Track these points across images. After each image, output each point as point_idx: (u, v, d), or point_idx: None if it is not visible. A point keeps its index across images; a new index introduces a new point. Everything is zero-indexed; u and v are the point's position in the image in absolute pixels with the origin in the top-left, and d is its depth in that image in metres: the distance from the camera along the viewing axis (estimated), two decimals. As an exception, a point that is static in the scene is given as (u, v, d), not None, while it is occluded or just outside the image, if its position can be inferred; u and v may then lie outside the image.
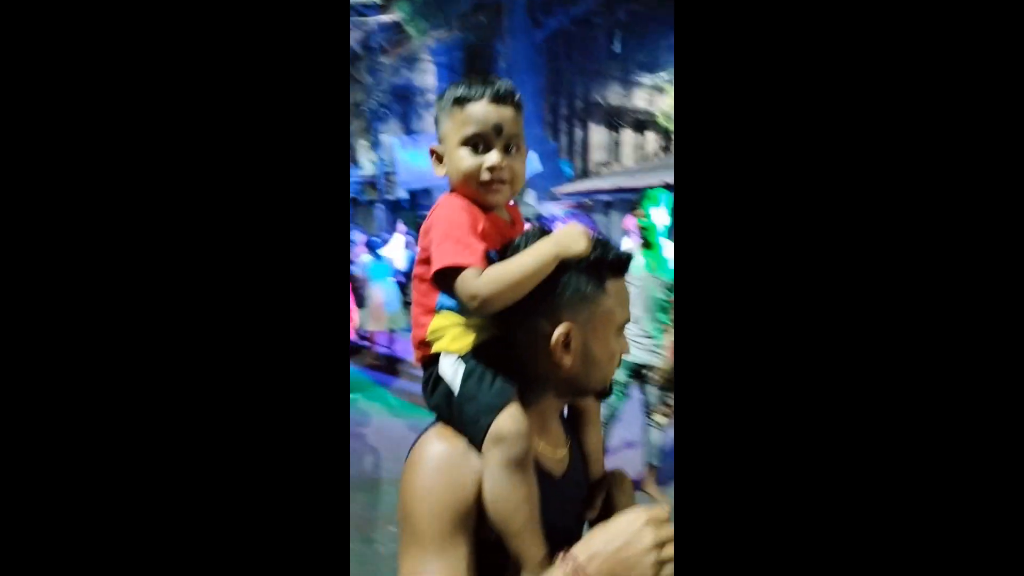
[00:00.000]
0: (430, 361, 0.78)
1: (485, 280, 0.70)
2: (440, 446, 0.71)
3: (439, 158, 0.80)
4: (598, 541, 0.66)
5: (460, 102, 0.78)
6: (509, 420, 0.69)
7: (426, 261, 0.77)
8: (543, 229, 0.75)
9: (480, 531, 0.69)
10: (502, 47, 10.25)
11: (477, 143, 0.76)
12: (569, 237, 0.72)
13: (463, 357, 0.74)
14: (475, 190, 0.77)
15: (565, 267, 0.71)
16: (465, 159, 0.76)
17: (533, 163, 8.64)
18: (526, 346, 0.74)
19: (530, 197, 7.15)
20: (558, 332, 0.71)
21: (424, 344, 0.79)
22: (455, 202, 0.78)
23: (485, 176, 0.76)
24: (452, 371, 0.74)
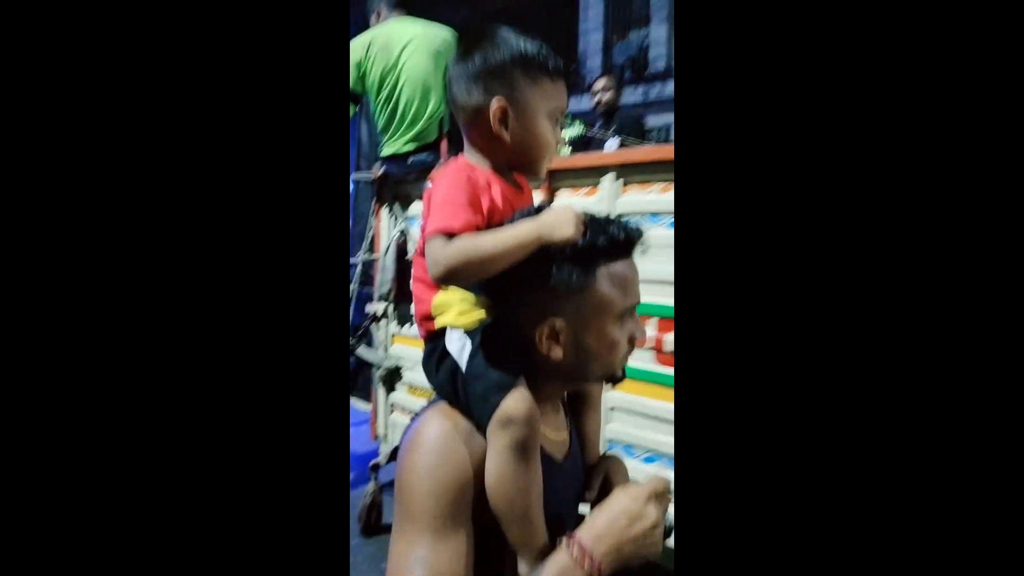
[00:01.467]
0: (434, 337, 0.74)
1: (452, 249, 0.66)
2: (442, 424, 0.68)
3: (502, 118, 0.73)
4: (601, 522, 0.65)
5: (551, 74, 0.73)
6: (518, 401, 0.65)
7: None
8: (540, 208, 0.71)
9: (477, 515, 0.66)
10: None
11: (557, 119, 0.75)
12: (556, 220, 0.66)
13: (470, 333, 0.70)
14: (539, 162, 0.76)
15: (549, 253, 0.66)
16: (550, 132, 0.75)
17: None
18: (520, 334, 0.69)
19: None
20: (540, 328, 0.68)
21: (428, 319, 0.75)
22: (462, 171, 0.73)
23: (558, 152, 0.75)
24: (459, 346, 0.70)
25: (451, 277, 0.67)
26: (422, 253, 0.73)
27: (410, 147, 2.35)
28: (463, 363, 0.69)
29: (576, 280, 0.67)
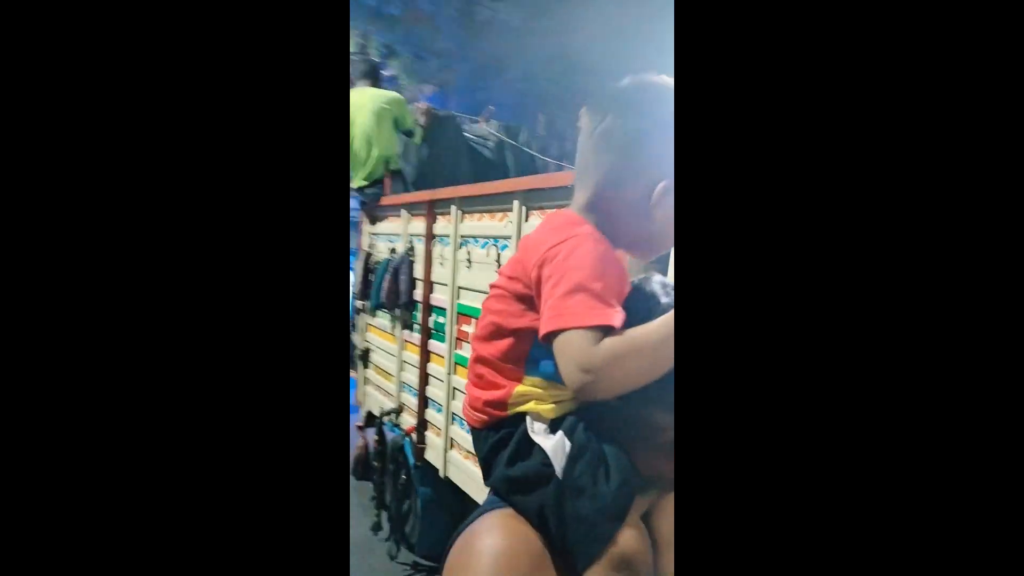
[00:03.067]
0: (501, 424, 0.61)
1: (606, 351, 0.53)
2: (506, 543, 0.56)
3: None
4: None
5: None
6: (638, 538, 0.54)
7: (524, 300, 0.60)
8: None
9: None
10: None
11: None
12: None
13: (562, 427, 0.57)
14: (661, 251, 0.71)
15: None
16: None
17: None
18: (633, 440, 0.57)
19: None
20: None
21: (498, 405, 0.60)
22: (600, 243, 0.60)
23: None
24: (552, 443, 0.57)
25: (601, 386, 0.53)
26: (485, 337, 0.61)
27: (363, 182, 3.14)
28: (559, 467, 0.55)
29: None
